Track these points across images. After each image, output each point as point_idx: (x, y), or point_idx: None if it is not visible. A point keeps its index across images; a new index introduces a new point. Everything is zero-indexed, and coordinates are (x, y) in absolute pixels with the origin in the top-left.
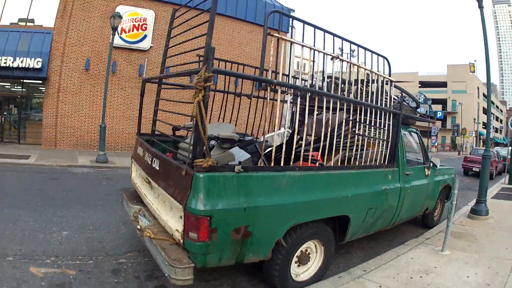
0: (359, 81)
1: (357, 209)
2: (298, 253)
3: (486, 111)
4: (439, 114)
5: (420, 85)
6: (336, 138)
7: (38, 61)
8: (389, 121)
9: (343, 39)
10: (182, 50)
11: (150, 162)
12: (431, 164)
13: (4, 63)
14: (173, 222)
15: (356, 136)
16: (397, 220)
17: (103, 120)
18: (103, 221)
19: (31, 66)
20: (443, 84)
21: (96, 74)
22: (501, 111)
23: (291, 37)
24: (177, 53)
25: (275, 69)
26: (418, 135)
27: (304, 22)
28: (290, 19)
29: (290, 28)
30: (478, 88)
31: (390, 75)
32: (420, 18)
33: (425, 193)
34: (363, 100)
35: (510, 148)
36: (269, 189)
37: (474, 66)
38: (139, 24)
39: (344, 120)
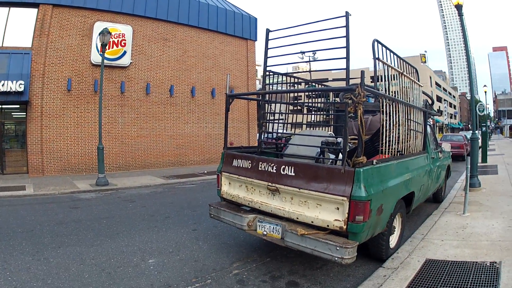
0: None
1: (417, 186)
2: None
3: (439, 99)
4: None
5: (371, 80)
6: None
7: (21, 84)
8: (422, 117)
9: (401, 59)
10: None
11: (275, 170)
12: (442, 149)
13: None
14: (326, 215)
15: (409, 131)
16: (428, 194)
17: (100, 141)
18: (175, 241)
19: (13, 90)
20: (395, 77)
21: (78, 94)
22: (454, 97)
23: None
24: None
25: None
26: (431, 126)
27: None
28: (257, 26)
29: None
30: (430, 77)
31: (418, 81)
32: (369, 13)
33: (440, 171)
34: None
35: (477, 131)
36: (388, 175)
37: (425, 57)
38: (118, 40)
39: (398, 120)
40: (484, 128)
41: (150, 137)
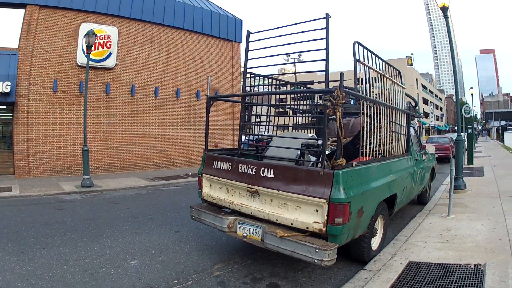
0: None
1: (400, 188)
2: None
3: (425, 101)
4: None
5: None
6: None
7: (7, 85)
8: (404, 119)
9: (384, 61)
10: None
11: (255, 172)
12: (426, 151)
13: None
14: (306, 217)
15: (391, 133)
16: (412, 196)
17: (85, 142)
18: (158, 243)
19: None
20: (377, 79)
21: (64, 95)
22: (440, 99)
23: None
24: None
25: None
26: (415, 129)
27: (374, 54)
28: (242, 28)
29: (242, 39)
30: (416, 79)
31: (402, 83)
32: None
33: (424, 173)
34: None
35: (464, 133)
36: (369, 177)
37: (411, 59)
38: (103, 42)
39: (380, 122)
40: (470, 130)
41: (135, 138)
